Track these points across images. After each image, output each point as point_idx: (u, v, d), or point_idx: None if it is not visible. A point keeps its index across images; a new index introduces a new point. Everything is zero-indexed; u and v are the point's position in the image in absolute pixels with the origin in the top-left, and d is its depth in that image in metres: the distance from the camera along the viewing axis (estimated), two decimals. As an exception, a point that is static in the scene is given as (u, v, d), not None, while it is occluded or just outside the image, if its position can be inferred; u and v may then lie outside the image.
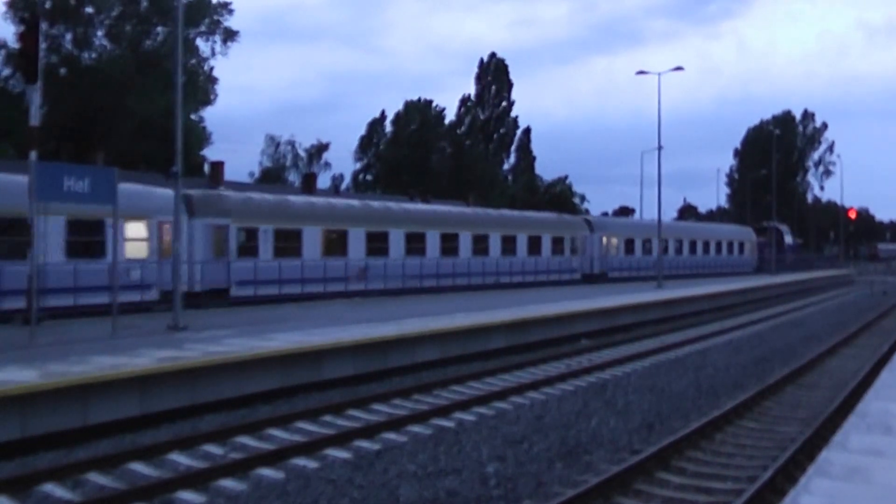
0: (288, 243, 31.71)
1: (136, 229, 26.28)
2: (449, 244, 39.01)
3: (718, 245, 63.17)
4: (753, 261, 67.77)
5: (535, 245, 44.27)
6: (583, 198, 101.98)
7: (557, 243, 46.13)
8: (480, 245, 40.79)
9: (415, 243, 37.19)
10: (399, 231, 36.50)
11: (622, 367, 19.18)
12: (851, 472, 7.25)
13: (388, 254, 35.78)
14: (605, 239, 49.98)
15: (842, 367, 19.48)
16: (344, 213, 35.54)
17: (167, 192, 25.24)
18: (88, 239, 24.95)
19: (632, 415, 13.68)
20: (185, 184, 21.61)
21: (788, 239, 79.99)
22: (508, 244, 42.58)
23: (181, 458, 11.01)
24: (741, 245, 66.98)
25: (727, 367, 18.98)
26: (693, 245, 59.55)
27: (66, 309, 22.86)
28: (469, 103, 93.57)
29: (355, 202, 39.05)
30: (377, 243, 35.29)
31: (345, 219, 34.85)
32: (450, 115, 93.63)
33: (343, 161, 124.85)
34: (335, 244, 33.70)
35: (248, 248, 30.39)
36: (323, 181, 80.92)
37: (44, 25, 44.45)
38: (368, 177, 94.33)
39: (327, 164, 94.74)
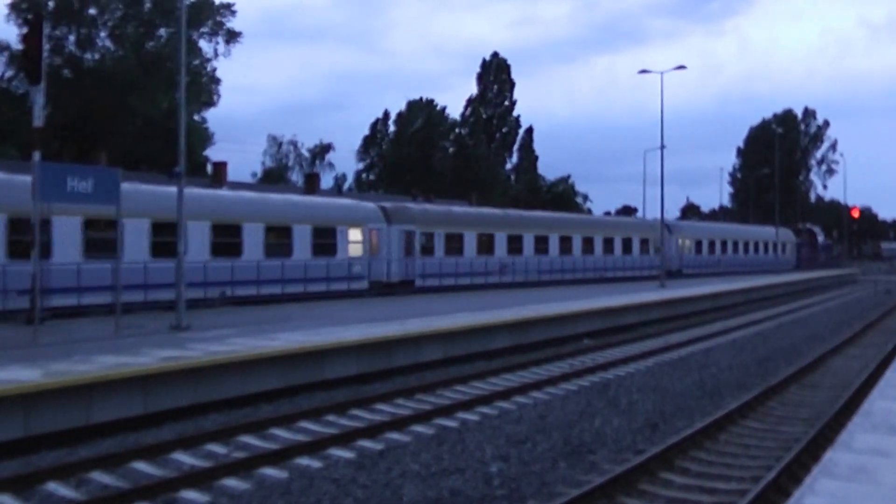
0: (454, 244, 39.68)
1: (354, 234, 33.86)
2: (565, 245, 47.46)
3: (766, 245, 71.54)
4: (794, 259, 76.41)
5: (627, 246, 53.01)
6: (585, 197, 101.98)
7: (644, 244, 54.52)
8: (587, 246, 49.29)
9: (540, 244, 45.33)
10: (530, 235, 44.80)
11: (625, 367, 19.15)
12: (857, 473, 7.22)
13: (522, 253, 43.71)
14: (680, 240, 58.04)
15: (846, 366, 19.44)
16: (492, 219, 44.30)
17: (371, 205, 36.58)
18: (327, 241, 32.37)
19: (635, 414, 13.66)
20: (187, 183, 21.68)
21: (821, 239, 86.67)
22: (608, 245, 51.24)
23: (184, 458, 11.01)
24: (783, 245, 75.55)
25: (730, 366, 18.96)
26: (746, 245, 68.09)
27: (301, 294, 30.40)
28: (474, 104, 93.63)
29: (498, 211, 47.82)
30: (514, 244, 43.54)
31: (492, 224, 43.16)
32: (453, 115, 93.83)
33: (345, 161, 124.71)
34: (485, 245, 41.57)
35: (427, 248, 38.19)
36: (326, 181, 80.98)
37: (47, 27, 44.49)
38: (371, 176, 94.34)
39: (330, 165, 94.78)
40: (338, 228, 33.05)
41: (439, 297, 32.57)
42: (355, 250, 33.78)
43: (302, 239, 31.19)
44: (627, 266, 51.84)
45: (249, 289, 28.67)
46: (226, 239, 28.18)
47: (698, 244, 60.79)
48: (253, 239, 29.09)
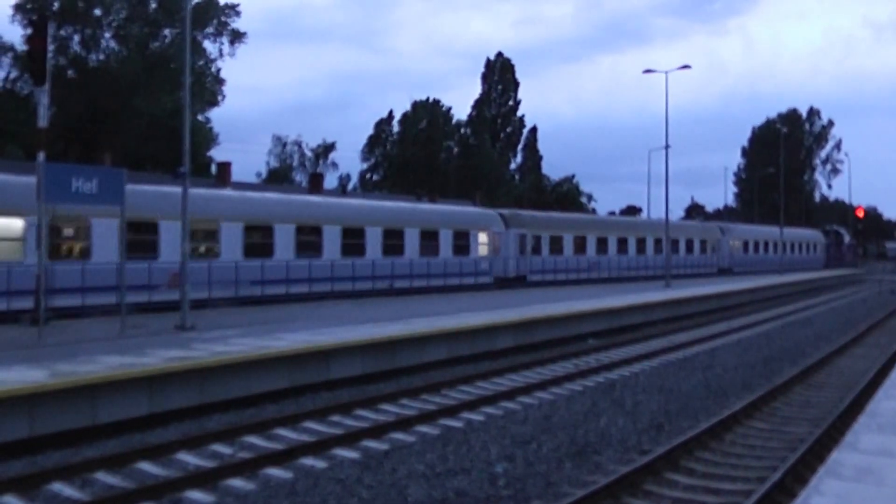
0: (556, 245, 47.12)
1: (482, 237, 41.13)
2: (640, 246, 55.43)
3: (801, 246, 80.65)
4: (824, 258, 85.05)
5: (689, 246, 60.78)
6: (590, 196, 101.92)
7: (704, 244, 62.60)
8: (658, 246, 55.58)
9: (622, 245, 53.53)
10: (614, 237, 52.81)
11: (630, 367, 19.13)
12: (863, 473, 7.20)
13: (607, 252, 51.57)
14: (731, 241, 65.88)
15: (851, 366, 19.41)
16: (585, 223, 53.21)
17: (493, 212, 44.08)
18: (463, 243, 39.63)
19: (640, 415, 13.65)
20: (192, 184, 21.72)
21: (847, 240, 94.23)
22: (675, 245, 57.51)
23: (189, 458, 11.02)
24: (815, 246, 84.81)
25: (736, 366, 18.93)
26: (784, 246, 74.87)
27: (444, 286, 37.17)
28: (481, 105, 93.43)
29: (587, 217, 58.16)
30: (602, 245, 51.33)
31: (584, 228, 51.09)
32: (457, 115, 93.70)
33: (350, 161, 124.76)
34: (579, 246, 49.08)
35: (536, 248, 45.22)
36: (330, 181, 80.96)
37: (51, 27, 44.58)
38: (376, 176, 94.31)
39: (334, 164, 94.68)
40: (471, 232, 40.28)
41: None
42: (483, 250, 40.91)
43: (446, 241, 38.47)
44: (691, 264, 59.70)
45: (406, 281, 35.86)
46: (393, 241, 35.68)
47: (745, 244, 69.36)
48: (412, 241, 36.61)
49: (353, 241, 33.54)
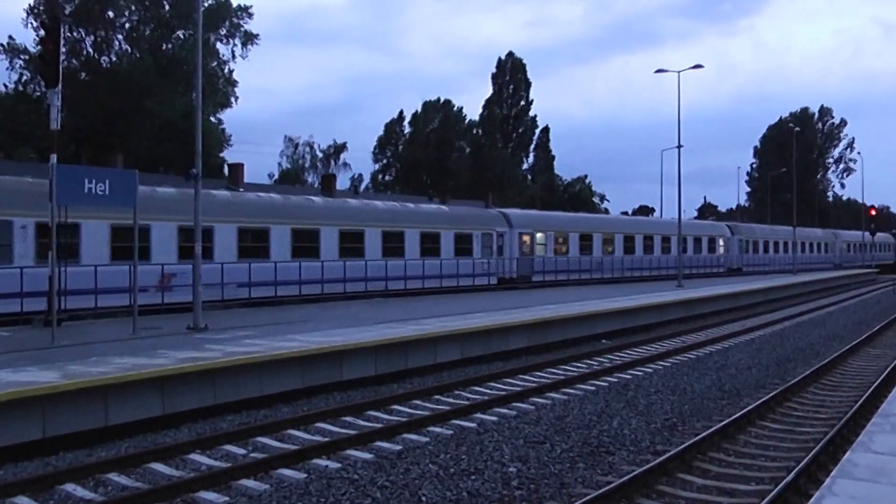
0: (756, 247, 68.01)
1: (721, 241, 62.96)
2: (804, 248, 74.01)
3: (880, 246, 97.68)
4: (894, 255, 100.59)
5: (820, 247, 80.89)
6: (602, 197, 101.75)
7: (826, 246, 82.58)
8: (811, 249, 78.00)
9: (769, 248, 71.93)
10: (771, 241, 71.99)
11: (643, 368, 19.06)
12: (876, 474, 7.15)
13: (782, 252, 71.92)
14: (842, 244, 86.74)
15: (864, 366, 19.29)
16: (769, 232, 72.02)
17: (723, 224, 68.00)
18: (712, 245, 61.78)
19: (654, 415, 13.60)
20: (205, 185, 21.77)
21: None
22: (811, 247, 78.27)
23: (202, 459, 11.04)
24: (888, 246, 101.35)
25: (749, 367, 18.85)
26: (871, 246, 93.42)
27: (705, 274, 57.67)
28: (491, 105, 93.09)
29: (768, 227, 75.89)
30: (784, 248, 71.92)
31: (769, 235, 71.02)
32: (469, 116, 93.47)
33: (361, 162, 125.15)
34: (767, 248, 70.00)
35: (747, 249, 66.53)
36: (342, 182, 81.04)
37: (64, 29, 44.68)
38: (388, 177, 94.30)
39: (346, 165, 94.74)
40: (716, 238, 62.61)
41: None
42: (720, 250, 62.28)
43: (703, 244, 60.35)
44: (818, 260, 77.24)
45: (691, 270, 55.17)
46: (652, 245, 55.05)
47: (849, 245, 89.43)
48: (690, 245, 56.46)
49: (667, 244, 54.82)
